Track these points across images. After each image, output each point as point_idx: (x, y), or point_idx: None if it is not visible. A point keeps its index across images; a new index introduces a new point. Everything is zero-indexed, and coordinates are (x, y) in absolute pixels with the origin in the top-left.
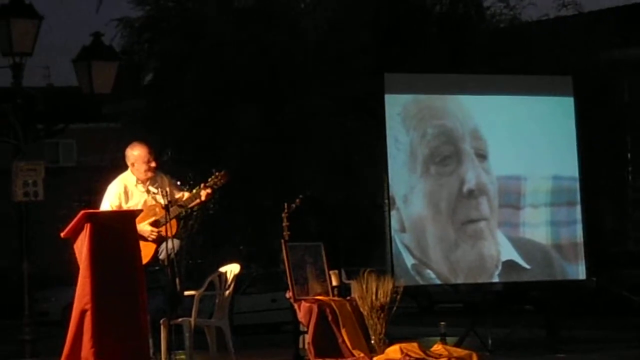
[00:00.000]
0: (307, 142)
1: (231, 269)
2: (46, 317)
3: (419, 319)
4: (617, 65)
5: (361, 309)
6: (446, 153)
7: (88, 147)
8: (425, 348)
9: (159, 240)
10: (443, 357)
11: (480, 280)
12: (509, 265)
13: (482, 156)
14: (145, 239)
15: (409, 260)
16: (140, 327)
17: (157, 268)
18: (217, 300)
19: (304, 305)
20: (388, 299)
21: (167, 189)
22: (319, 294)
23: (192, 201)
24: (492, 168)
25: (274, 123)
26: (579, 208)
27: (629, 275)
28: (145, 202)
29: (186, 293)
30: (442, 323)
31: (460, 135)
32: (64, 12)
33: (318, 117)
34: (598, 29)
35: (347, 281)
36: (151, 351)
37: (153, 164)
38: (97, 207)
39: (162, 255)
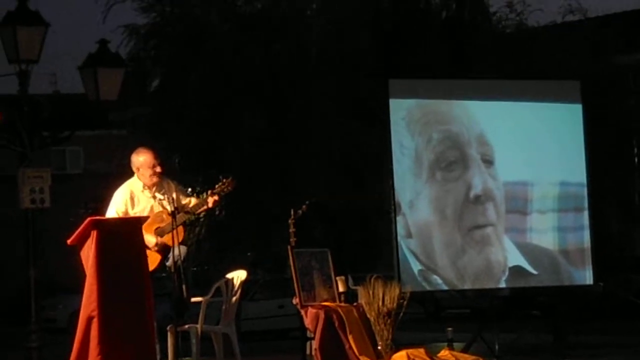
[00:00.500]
0: (312, 148)
1: (238, 275)
2: (53, 324)
3: (426, 324)
4: (624, 70)
5: (368, 315)
6: (452, 158)
7: (95, 154)
8: (432, 354)
9: (163, 251)
10: None
11: (487, 286)
12: (516, 270)
13: (488, 162)
14: (149, 249)
15: (416, 266)
16: (147, 333)
17: (164, 275)
18: (224, 307)
19: (311, 311)
20: (395, 304)
21: (174, 195)
22: (326, 300)
23: (199, 208)
24: (498, 174)
25: (279, 128)
26: (586, 214)
27: (636, 280)
28: (151, 207)
29: (193, 299)
30: (449, 329)
31: (466, 140)
32: (71, 20)
33: (322, 122)
34: (604, 34)
35: (353, 287)
36: (158, 358)
37: (158, 169)
38: (104, 214)
39: (169, 262)
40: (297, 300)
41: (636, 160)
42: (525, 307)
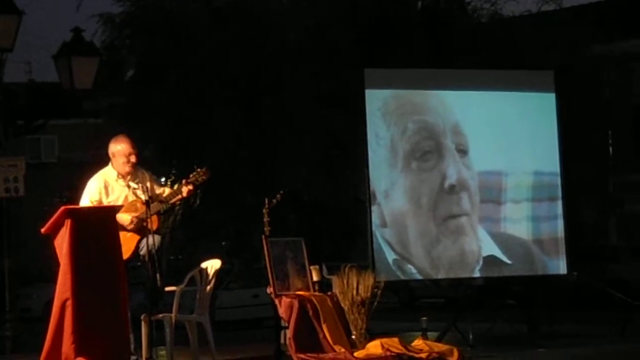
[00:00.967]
0: (287, 137)
1: (212, 265)
2: (28, 313)
3: (401, 314)
4: (599, 61)
5: (342, 304)
6: (427, 148)
7: (69, 143)
8: (406, 343)
9: (139, 230)
10: (424, 352)
11: (461, 276)
12: (490, 260)
13: (463, 151)
14: (125, 229)
15: (390, 256)
16: (122, 322)
17: (138, 264)
18: (198, 296)
19: (285, 300)
20: (369, 294)
21: (148, 184)
22: (300, 289)
23: (173, 197)
24: (473, 163)
25: (255, 119)
26: (560, 203)
27: (610, 270)
28: (126, 197)
29: (167, 289)
30: (424, 318)
31: (441, 130)
32: (46, 8)
33: (298, 113)
34: (579, 24)
35: (328, 276)
36: (132, 347)
37: (133, 159)
38: (78, 203)
39: (143, 251)
40: (271, 289)
41: (611, 150)
42: (500, 297)
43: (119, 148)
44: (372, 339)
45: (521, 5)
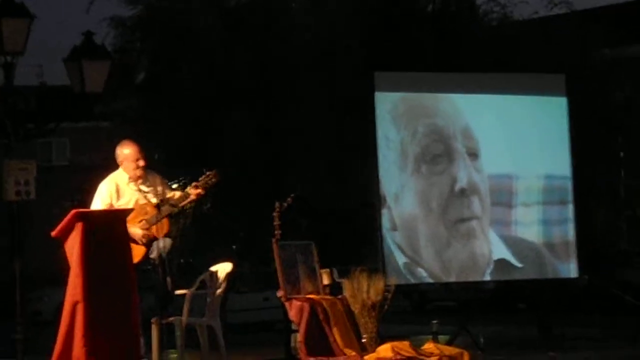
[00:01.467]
0: (297, 141)
1: (223, 268)
2: (39, 316)
3: (411, 317)
4: (610, 64)
5: (352, 308)
6: (437, 152)
7: (81, 146)
8: (416, 347)
9: (149, 244)
10: (434, 356)
11: (472, 279)
12: (501, 263)
13: (473, 155)
14: (135, 242)
15: (401, 259)
16: (132, 326)
17: (148, 267)
18: (208, 299)
19: (295, 304)
20: (379, 297)
21: (159, 188)
22: (310, 293)
23: (183, 200)
24: (483, 167)
25: (265, 122)
26: (570, 207)
27: (620, 274)
28: (136, 200)
29: (177, 292)
30: (434, 321)
31: (451, 133)
32: (58, 11)
33: (309, 116)
34: (590, 27)
35: (338, 280)
36: (143, 350)
37: (142, 163)
38: (89, 206)
39: (153, 255)
40: (282, 292)
41: (622, 153)
42: (510, 300)
43: (126, 153)
44: (382, 342)
45: (531, 9)
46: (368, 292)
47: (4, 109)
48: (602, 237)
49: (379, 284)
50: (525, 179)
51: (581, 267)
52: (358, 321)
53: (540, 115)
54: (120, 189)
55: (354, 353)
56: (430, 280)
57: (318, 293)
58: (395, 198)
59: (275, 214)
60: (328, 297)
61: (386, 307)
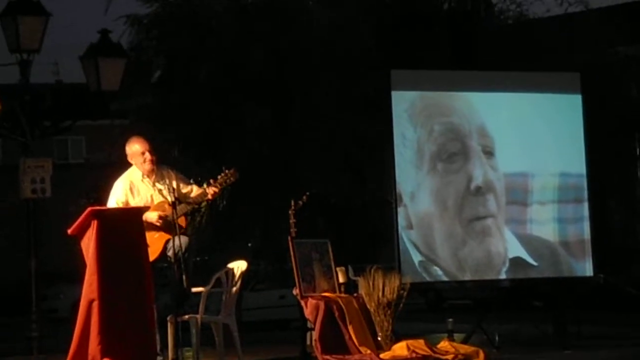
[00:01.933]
0: (314, 139)
1: (238, 266)
2: (55, 314)
3: (427, 315)
4: (625, 62)
5: (368, 306)
6: (453, 150)
7: (97, 144)
8: (432, 345)
9: (167, 228)
10: (450, 354)
11: (487, 277)
12: (516, 262)
13: (489, 153)
14: (152, 228)
15: (416, 257)
16: (148, 323)
17: (164, 265)
18: (224, 297)
19: (311, 302)
20: (395, 295)
21: (174, 184)
22: (326, 291)
23: (201, 199)
24: (499, 165)
25: (281, 120)
26: (586, 205)
27: (636, 272)
28: (152, 197)
29: (193, 290)
30: (450, 320)
31: (467, 132)
32: (74, 9)
33: (325, 115)
34: (606, 25)
35: (354, 278)
36: (158, 347)
37: (148, 157)
38: (105, 204)
39: (169, 252)
40: (298, 290)
41: (638, 151)
42: (526, 298)
43: (133, 149)
44: (398, 340)
45: (547, 7)
46: (383, 290)
47: (20, 106)
48: (618, 235)
49: (394, 282)
50: (541, 177)
51: (596, 266)
52: (373, 319)
53: (555, 113)
54: (135, 187)
55: (369, 351)
56: (446, 279)
57: (333, 291)
58: (411, 196)
59: (290, 211)
60: (343, 295)
61: (401, 305)
